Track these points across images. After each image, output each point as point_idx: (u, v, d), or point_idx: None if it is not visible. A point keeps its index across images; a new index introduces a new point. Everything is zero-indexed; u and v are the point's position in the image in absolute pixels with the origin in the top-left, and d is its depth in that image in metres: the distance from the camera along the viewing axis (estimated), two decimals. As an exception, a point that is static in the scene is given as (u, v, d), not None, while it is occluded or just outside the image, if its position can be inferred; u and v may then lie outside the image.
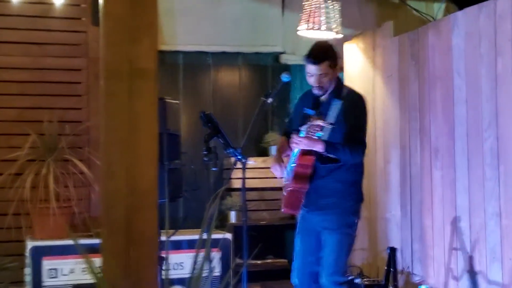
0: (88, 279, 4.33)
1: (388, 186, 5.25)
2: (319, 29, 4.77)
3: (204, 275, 2.58)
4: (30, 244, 4.35)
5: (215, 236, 3.44)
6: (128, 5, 2.61)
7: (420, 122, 4.85)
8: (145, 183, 2.58)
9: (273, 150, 5.69)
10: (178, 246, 4.52)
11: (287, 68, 5.95)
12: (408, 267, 4.91)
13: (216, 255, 4.65)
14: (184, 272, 4.52)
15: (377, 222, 5.35)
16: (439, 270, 4.59)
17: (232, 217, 5.61)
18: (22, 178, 4.42)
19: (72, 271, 4.38)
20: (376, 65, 5.46)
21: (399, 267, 4.76)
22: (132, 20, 2.61)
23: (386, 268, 4.48)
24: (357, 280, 4.64)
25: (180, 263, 4.57)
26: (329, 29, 4.77)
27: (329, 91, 3.85)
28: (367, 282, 4.82)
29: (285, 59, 6.08)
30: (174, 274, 4.41)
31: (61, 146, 4.64)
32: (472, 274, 4.25)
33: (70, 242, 4.41)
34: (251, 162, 4.01)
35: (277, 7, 6.03)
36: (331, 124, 3.56)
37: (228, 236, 4.80)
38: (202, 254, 2.57)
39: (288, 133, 4.14)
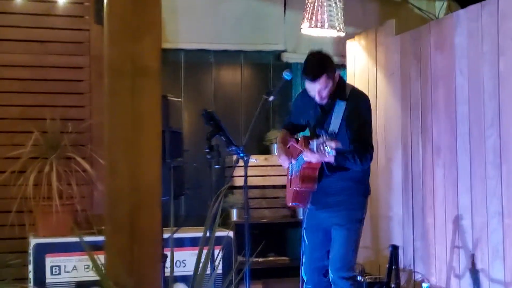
0: (91, 276, 4.39)
1: (390, 185, 5.25)
2: (321, 27, 4.77)
3: (206, 273, 2.59)
4: (33, 241, 4.36)
5: (217, 234, 3.45)
6: (132, 4, 2.62)
7: (422, 121, 4.85)
8: (148, 181, 2.59)
9: (275, 147, 5.69)
10: (180, 243, 4.53)
11: (288, 66, 5.94)
12: (410, 265, 4.92)
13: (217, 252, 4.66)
14: (187, 269, 4.53)
15: (379, 220, 5.36)
16: (441, 268, 4.60)
17: (234, 215, 5.62)
18: (25, 176, 4.43)
19: (75, 268, 4.39)
20: (378, 64, 5.46)
21: (401, 265, 4.77)
22: (136, 18, 2.62)
23: (388, 266, 4.49)
24: (359, 278, 4.64)
25: (183, 261, 4.58)
26: (331, 27, 4.77)
27: (333, 91, 3.85)
28: (369, 280, 4.83)
29: (287, 57, 6.08)
30: (176, 271, 4.42)
31: (64, 144, 4.65)
32: (474, 272, 4.25)
33: (73, 239, 4.42)
34: (253, 160, 4.02)
35: (279, 5, 6.03)
36: (340, 148, 3.54)
37: (230, 234, 4.80)
38: (204, 252, 2.58)
39: (289, 127, 4.15)
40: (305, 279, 4.02)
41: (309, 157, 3.62)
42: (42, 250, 4.36)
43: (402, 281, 4.72)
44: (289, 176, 4.09)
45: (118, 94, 2.60)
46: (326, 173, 3.82)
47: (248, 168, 3.79)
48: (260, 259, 5.57)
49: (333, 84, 3.79)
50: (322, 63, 3.76)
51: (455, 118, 4.47)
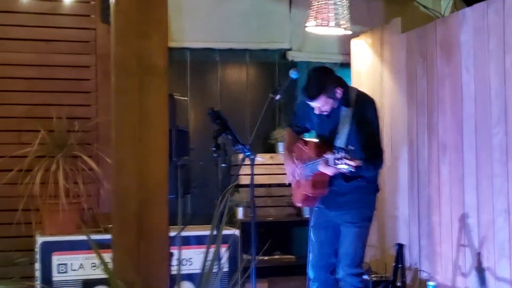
0: (97, 274, 4.40)
1: (396, 183, 5.25)
2: (327, 25, 4.76)
3: (213, 271, 2.59)
4: (40, 240, 4.37)
5: (223, 232, 3.45)
6: (139, 2, 2.62)
7: (428, 118, 4.85)
8: (155, 179, 2.60)
9: (281, 146, 5.69)
10: (186, 242, 4.53)
11: (294, 65, 5.95)
12: (416, 264, 4.92)
13: (224, 251, 4.66)
14: (193, 267, 4.54)
15: (385, 219, 5.36)
16: (447, 266, 4.59)
17: (240, 213, 5.63)
18: (32, 174, 4.44)
19: (81, 266, 4.40)
20: (384, 62, 5.46)
21: (407, 263, 4.77)
22: (142, 17, 2.63)
23: (394, 264, 4.49)
24: (365, 276, 4.64)
25: (189, 259, 4.58)
26: (337, 25, 4.76)
27: (336, 104, 3.83)
28: (375, 278, 4.83)
29: (292, 55, 6.09)
30: (182, 269, 4.41)
31: (70, 142, 4.65)
32: (480, 270, 4.25)
33: (79, 237, 4.43)
34: (260, 158, 4.02)
35: (284, 4, 6.04)
36: (362, 162, 3.54)
37: (236, 232, 4.81)
38: (210, 250, 2.58)
39: (294, 127, 4.16)
40: (311, 277, 4.03)
41: (324, 169, 3.65)
42: (49, 248, 4.36)
43: (408, 279, 4.72)
44: (296, 177, 4.09)
45: (125, 92, 2.61)
46: (341, 181, 3.84)
47: (254, 166, 3.80)
48: (266, 258, 5.57)
49: (334, 101, 3.78)
50: (322, 83, 3.74)
51: (461, 116, 4.46)
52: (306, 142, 4.07)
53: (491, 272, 4.17)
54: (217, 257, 2.66)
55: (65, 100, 5.12)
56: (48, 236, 4.43)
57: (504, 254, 4.05)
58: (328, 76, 3.79)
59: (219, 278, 3.15)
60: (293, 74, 3.89)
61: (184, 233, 4.24)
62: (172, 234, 2.78)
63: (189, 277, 4.41)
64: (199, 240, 4.59)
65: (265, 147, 5.98)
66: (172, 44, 5.47)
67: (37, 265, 4.35)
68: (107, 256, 2.50)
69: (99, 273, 4.38)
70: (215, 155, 3.79)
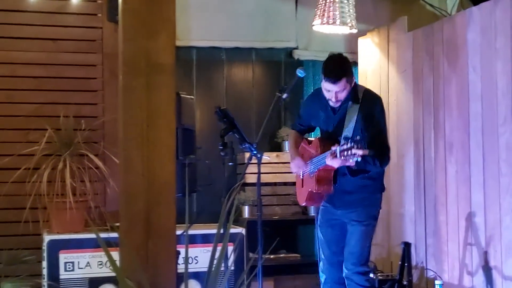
0: (104, 272, 4.41)
1: (402, 181, 5.24)
2: (333, 23, 4.76)
3: (220, 270, 2.60)
4: (47, 238, 4.39)
5: (230, 231, 3.45)
6: (147, 1, 2.63)
7: (435, 117, 4.84)
8: (163, 177, 2.61)
9: (287, 145, 5.69)
10: (192, 240, 4.54)
11: (300, 63, 5.96)
12: (422, 262, 4.91)
13: (230, 249, 4.67)
14: (199, 266, 4.55)
15: (391, 217, 5.35)
16: (454, 265, 4.59)
17: (246, 211, 5.63)
18: (39, 173, 4.45)
19: (88, 265, 4.42)
20: (390, 60, 5.45)
21: (413, 262, 4.77)
22: (150, 16, 2.63)
23: (400, 263, 4.49)
24: (372, 275, 4.65)
25: (195, 257, 4.59)
26: (343, 24, 4.77)
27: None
28: (381, 277, 4.83)
29: (298, 54, 6.09)
30: (188, 268, 4.43)
31: (77, 141, 4.67)
32: (487, 269, 4.24)
33: (86, 235, 4.45)
34: (266, 157, 4.03)
35: (290, 3, 6.04)
36: (370, 153, 3.53)
37: (242, 230, 4.81)
38: (217, 248, 2.58)
39: (298, 128, 4.16)
40: (322, 280, 4.02)
41: (331, 162, 3.63)
42: (56, 247, 4.38)
43: (414, 278, 4.72)
44: (300, 176, 4.10)
45: (133, 91, 2.62)
46: (346, 174, 3.83)
47: (260, 165, 3.80)
48: (272, 256, 5.58)
49: (349, 87, 3.81)
50: (343, 66, 3.79)
51: (468, 115, 4.46)
52: (310, 142, 4.08)
53: (498, 271, 4.16)
54: (224, 256, 2.66)
55: (72, 98, 5.13)
56: (55, 235, 4.45)
57: (511, 253, 4.05)
58: (348, 62, 3.87)
59: (226, 277, 3.15)
60: (299, 72, 3.89)
61: (190, 232, 4.24)
62: (179, 232, 2.78)
63: (195, 275, 4.42)
64: (205, 239, 4.60)
65: (271, 145, 5.98)
66: (179, 42, 5.47)
67: (44, 263, 4.37)
68: (114, 254, 2.51)
69: (106, 271, 4.40)
70: (222, 153, 3.79)
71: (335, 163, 3.64)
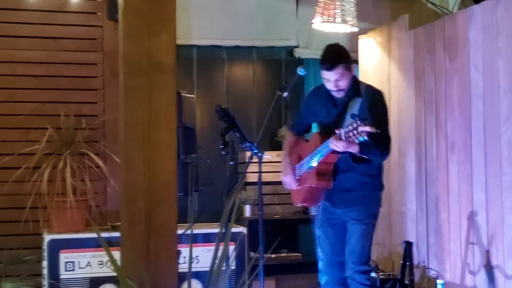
0: (104, 272, 4.40)
1: (403, 180, 5.23)
2: (333, 21, 4.75)
3: (221, 269, 2.59)
4: (47, 237, 4.38)
5: (231, 230, 3.45)
6: (147, 0, 2.62)
7: (436, 116, 4.83)
8: (164, 177, 2.60)
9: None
10: (193, 239, 4.53)
11: (301, 62, 5.95)
12: (424, 262, 4.90)
13: (231, 249, 4.67)
14: (200, 265, 4.54)
15: (392, 216, 5.34)
16: (456, 264, 4.58)
17: (247, 211, 5.62)
18: (40, 172, 4.45)
19: (89, 264, 4.41)
20: (391, 59, 5.44)
21: (415, 261, 4.76)
22: (151, 15, 2.63)
23: (402, 262, 4.48)
24: (373, 274, 4.64)
25: (196, 257, 4.59)
26: (344, 22, 4.76)
27: (346, 90, 3.85)
28: (382, 276, 4.82)
29: (299, 53, 6.08)
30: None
31: (77, 140, 4.66)
32: (489, 268, 4.23)
33: (87, 235, 4.44)
34: (267, 156, 4.02)
35: (291, 1, 6.03)
36: (377, 130, 3.50)
37: (243, 230, 4.80)
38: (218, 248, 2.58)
39: (295, 129, 4.14)
40: (322, 282, 4.01)
41: (336, 144, 3.57)
42: (56, 246, 4.37)
43: (416, 277, 4.71)
44: (296, 175, 4.08)
45: (134, 90, 2.62)
46: (342, 168, 3.82)
47: (261, 164, 3.79)
48: (273, 255, 5.57)
49: (350, 77, 3.79)
50: (340, 54, 3.80)
51: (470, 114, 4.44)
52: (307, 140, 4.07)
53: (500, 270, 4.15)
54: (226, 255, 2.66)
55: (72, 97, 5.12)
56: (55, 234, 4.44)
57: (513, 252, 4.04)
58: (345, 50, 3.86)
59: (227, 276, 3.15)
60: (300, 71, 3.88)
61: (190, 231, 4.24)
62: (180, 232, 2.78)
63: (197, 275, 4.41)
64: (206, 238, 4.59)
65: (272, 144, 5.97)
66: (179, 41, 5.38)
67: (45, 263, 4.36)
68: (115, 254, 2.50)
69: (106, 271, 4.40)
70: (222, 152, 3.78)
71: (340, 146, 3.55)
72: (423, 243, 4.94)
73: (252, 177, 5.49)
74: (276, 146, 5.96)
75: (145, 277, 2.46)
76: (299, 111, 4.21)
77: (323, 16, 4.76)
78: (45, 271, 4.36)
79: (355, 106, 3.78)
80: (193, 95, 4.97)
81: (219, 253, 2.51)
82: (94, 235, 4.26)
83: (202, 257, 4.57)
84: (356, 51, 5.88)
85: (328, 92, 3.89)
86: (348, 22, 4.77)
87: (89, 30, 5.26)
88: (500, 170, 4.14)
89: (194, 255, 4.59)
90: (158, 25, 2.63)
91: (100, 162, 4.60)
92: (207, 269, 2.60)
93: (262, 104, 5.90)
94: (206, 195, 5.34)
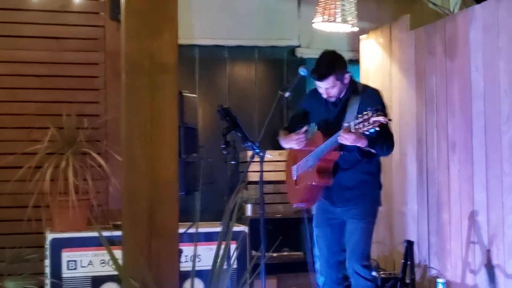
0: (106, 271, 4.42)
1: (404, 180, 5.24)
2: (334, 21, 4.76)
3: (223, 268, 2.60)
4: (49, 236, 4.39)
5: (233, 229, 3.46)
6: (150, 1, 2.64)
7: (437, 116, 4.84)
8: (166, 176, 2.62)
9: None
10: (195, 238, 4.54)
11: (302, 61, 5.96)
12: (425, 261, 4.91)
13: (233, 247, 4.68)
14: (201, 264, 4.55)
15: (393, 216, 5.35)
16: (456, 264, 4.59)
17: (248, 210, 5.64)
18: (42, 171, 4.46)
19: (91, 263, 4.43)
20: (392, 59, 5.45)
21: (416, 260, 4.77)
22: (153, 15, 2.64)
23: (403, 261, 4.49)
24: (374, 273, 4.65)
25: (198, 256, 4.60)
26: (344, 21, 4.76)
27: (344, 91, 3.87)
28: (383, 275, 4.83)
29: (301, 52, 6.09)
30: (190, 266, 4.43)
31: (80, 139, 4.67)
32: (490, 268, 4.24)
33: (89, 234, 4.45)
34: (269, 155, 4.03)
35: (293, 1, 6.04)
36: (389, 119, 3.50)
37: (245, 229, 4.82)
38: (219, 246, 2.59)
39: (291, 128, 4.15)
40: (320, 282, 4.03)
41: (344, 137, 3.56)
42: (59, 245, 4.39)
43: (417, 277, 4.72)
44: (294, 175, 4.09)
45: (136, 90, 2.63)
46: (342, 166, 3.84)
47: (263, 163, 3.80)
48: (275, 254, 5.58)
49: (342, 85, 3.82)
50: (332, 65, 3.79)
51: (471, 114, 4.45)
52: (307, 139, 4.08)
53: (501, 270, 4.16)
54: (227, 254, 2.67)
55: (74, 97, 5.14)
56: (57, 233, 4.46)
57: (513, 251, 4.05)
58: (338, 59, 3.85)
59: (229, 275, 3.16)
60: (302, 71, 3.90)
61: (193, 230, 4.25)
62: (181, 230, 2.79)
63: (198, 273, 4.41)
64: (207, 237, 4.60)
65: (274, 144, 5.96)
66: (181, 41, 5.39)
67: (47, 262, 4.38)
68: (117, 253, 2.52)
69: (108, 270, 4.41)
70: (224, 152, 3.80)
71: (349, 138, 3.55)
72: (424, 242, 4.95)
73: (253, 176, 5.50)
74: (277, 145, 5.96)
75: (147, 276, 2.48)
76: (295, 114, 4.24)
77: (323, 16, 4.77)
78: (47, 270, 4.38)
79: (354, 104, 3.80)
80: (195, 95, 4.98)
81: (221, 252, 2.53)
82: (96, 234, 4.25)
83: (204, 256, 4.58)
84: (357, 51, 5.90)
85: None
86: (349, 22, 4.77)
87: (92, 30, 5.27)
88: (501, 170, 4.15)
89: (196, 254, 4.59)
90: (160, 25, 2.64)
91: (102, 162, 4.62)
92: (209, 268, 2.61)
93: (264, 103, 5.91)
94: (207, 194, 5.36)
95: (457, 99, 4.61)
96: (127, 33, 2.63)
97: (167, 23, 2.65)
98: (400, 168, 5.28)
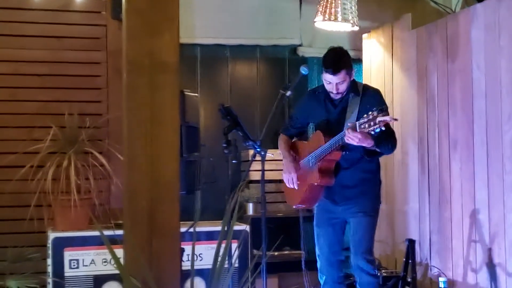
0: (108, 270, 4.42)
1: (406, 178, 5.24)
2: (335, 20, 4.77)
3: (224, 267, 2.61)
4: (51, 235, 4.40)
5: (234, 228, 3.46)
6: (150, 0, 2.64)
7: (439, 115, 4.84)
8: (167, 176, 2.62)
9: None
10: (196, 237, 4.55)
11: (304, 60, 5.96)
12: (427, 259, 4.91)
13: (234, 246, 4.68)
14: (203, 263, 4.56)
15: (395, 214, 5.35)
16: (458, 262, 4.59)
17: (250, 209, 5.64)
18: (44, 171, 4.46)
19: (93, 262, 4.43)
20: (394, 58, 5.45)
21: (418, 259, 4.77)
22: (154, 14, 2.64)
23: (404, 260, 4.49)
24: (376, 272, 4.65)
25: (199, 255, 4.60)
26: (345, 20, 4.77)
27: (343, 93, 3.89)
28: (385, 274, 4.83)
29: (303, 51, 6.08)
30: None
31: (82, 138, 4.68)
32: (491, 266, 4.24)
33: (91, 233, 4.46)
34: (270, 154, 4.04)
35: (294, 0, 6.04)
36: (395, 119, 3.51)
37: (246, 227, 4.82)
38: (221, 246, 2.59)
39: (289, 131, 4.15)
40: (322, 281, 4.03)
41: (350, 137, 3.57)
42: (61, 244, 4.40)
43: (419, 275, 4.72)
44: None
45: (137, 89, 2.63)
46: (343, 165, 3.84)
47: (264, 162, 3.81)
48: (276, 253, 5.58)
49: (349, 81, 3.85)
50: (343, 59, 3.84)
51: (472, 113, 4.45)
52: (304, 141, 4.09)
53: (502, 268, 4.16)
54: (228, 253, 2.67)
55: (76, 96, 5.14)
56: (60, 232, 4.47)
57: (515, 250, 4.05)
58: (348, 54, 3.92)
59: (230, 274, 3.17)
60: (303, 70, 3.91)
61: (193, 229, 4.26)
62: (183, 229, 2.79)
63: (200, 272, 4.43)
64: (209, 236, 4.61)
65: (275, 143, 5.96)
66: (182, 40, 5.40)
67: (49, 261, 4.38)
68: (119, 251, 2.52)
69: (110, 269, 4.41)
70: (225, 151, 3.80)
71: (356, 138, 3.55)
72: (426, 241, 4.95)
73: (255, 175, 5.49)
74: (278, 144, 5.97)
75: (148, 275, 2.48)
76: (292, 115, 4.24)
77: (324, 15, 4.77)
78: (49, 269, 4.38)
79: (355, 104, 3.81)
80: (196, 94, 4.98)
81: (221, 251, 2.53)
82: (98, 233, 4.28)
83: (205, 255, 4.59)
84: (359, 50, 5.90)
85: (325, 93, 3.93)
86: (349, 21, 4.78)
87: (93, 29, 5.27)
88: (502, 169, 4.15)
89: (197, 253, 4.61)
90: (161, 24, 2.65)
91: (104, 161, 4.62)
92: (210, 267, 2.61)
93: (265, 102, 5.91)
94: (209, 193, 5.36)
95: (459, 98, 4.61)
96: (128, 32, 2.63)
97: (168, 22, 2.65)
98: (401, 167, 5.29)
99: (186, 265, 2.99)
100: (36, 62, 5.14)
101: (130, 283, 2.44)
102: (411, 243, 4.48)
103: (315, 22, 4.89)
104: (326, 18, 4.77)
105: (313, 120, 4.06)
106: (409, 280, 4.48)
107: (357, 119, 3.72)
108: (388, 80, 5.47)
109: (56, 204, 4.50)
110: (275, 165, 5.64)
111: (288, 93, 3.84)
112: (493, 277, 4.23)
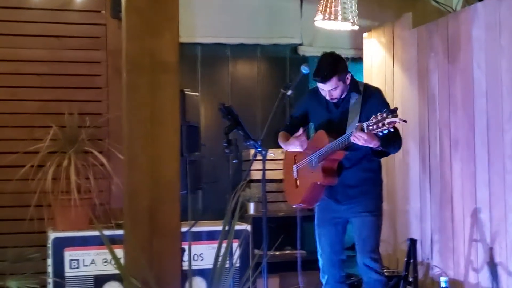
0: (109, 270, 4.42)
1: (407, 178, 5.24)
2: (335, 19, 4.76)
3: (225, 266, 2.60)
4: (52, 235, 4.40)
5: (235, 227, 3.45)
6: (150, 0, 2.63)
7: (440, 114, 4.83)
8: (168, 175, 2.61)
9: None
10: (197, 237, 4.54)
11: (305, 59, 5.94)
12: (428, 259, 4.91)
13: (235, 246, 4.67)
14: (204, 263, 4.55)
15: (396, 214, 5.35)
16: (459, 261, 4.58)
17: (251, 208, 5.63)
18: (44, 170, 4.46)
19: (93, 262, 4.43)
20: (395, 57, 5.44)
21: (419, 258, 4.76)
22: (154, 14, 2.64)
23: (406, 259, 4.48)
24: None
25: (200, 254, 4.60)
26: (345, 19, 4.76)
27: (345, 91, 3.87)
28: (387, 274, 4.82)
29: (303, 50, 6.08)
30: (193, 265, 4.43)
31: (82, 138, 4.67)
32: (492, 265, 4.24)
33: (91, 233, 4.45)
34: (271, 154, 4.03)
35: (295, -1, 6.04)
36: (404, 121, 3.49)
37: (247, 227, 4.81)
38: (222, 245, 2.58)
39: (290, 129, 4.14)
40: (323, 281, 4.03)
41: (357, 136, 3.55)
42: (61, 244, 4.39)
43: (420, 275, 4.71)
44: (295, 175, 4.09)
45: (137, 89, 2.63)
46: (344, 164, 3.83)
47: (265, 161, 3.80)
48: (277, 253, 5.58)
49: (344, 86, 3.82)
50: (333, 65, 3.79)
51: (473, 112, 4.44)
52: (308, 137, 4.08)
53: (503, 267, 4.15)
54: (229, 252, 2.67)
55: (76, 95, 5.13)
56: (60, 232, 4.46)
57: (516, 250, 4.04)
58: (339, 60, 3.86)
59: (231, 273, 3.16)
60: (304, 69, 3.90)
61: (195, 229, 4.25)
62: (184, 229, 2.79)
63: (201, 272, 4.42)
64: (210, 236, 4.60)
65: (276, 142, 5.96)
66: (183, 39, 5.39)
67: (49, 261, 4.38)
68: (119, 251, 2.51)
69: (110, 269, 4.41)
70: (226, 150, 3.79)
71: (363, 138, 3.53)
72: (427, 240, 4.94)
73: (256, 175, 5.49)
74: (279, 144, 5.96)
75: (149, 275, 2.47)
76: (293, 114, 4.23)
77: (325, 14, 4.76)
78: (49, 269, 4.38)
79: (356, 104, 3.80)
80: (197, 93, 4.97)
81: (222, 251, 2.52)
82: (98, 233, 4.27)
83: (206, 254, 4.59)
84: (359, 49, 5.89)
85: None
86: (349, 20, 4.77)
87: (93, 28, 5.27)
88: (503, 168, 4.14)
89: (198, 252, 4.60)
90: (161, 23, 2.64)
91: (104, 160, 4.61)
92: (211, 266, 2.60)
93: (266, 101, 5.90)
94: (210, 193, 5.35)
95: (460, 97, 4.60)
96: (128, 32, 2.63)
97: (168, 21, 2.65)
98: (402, 166, 5.28)
99: (187, 265, 2.99)
100: (36, 61, 5.14)
101: (131, 283, 2.44)
102: (412, 242, 4.47)
103: (315, 21, 4.88)
104: (326, 17, 4.76)
105: (314, 119, 4.05)
106: (410, 279, 4.47)
107: (360, 119, 3.72)
108: (389, 79, 5.46)
109: (56, 204, 4.50)
110: (276, 165, 5.64)
111: (289, 92, 3.83)
112: (494, 276, 4.22)
